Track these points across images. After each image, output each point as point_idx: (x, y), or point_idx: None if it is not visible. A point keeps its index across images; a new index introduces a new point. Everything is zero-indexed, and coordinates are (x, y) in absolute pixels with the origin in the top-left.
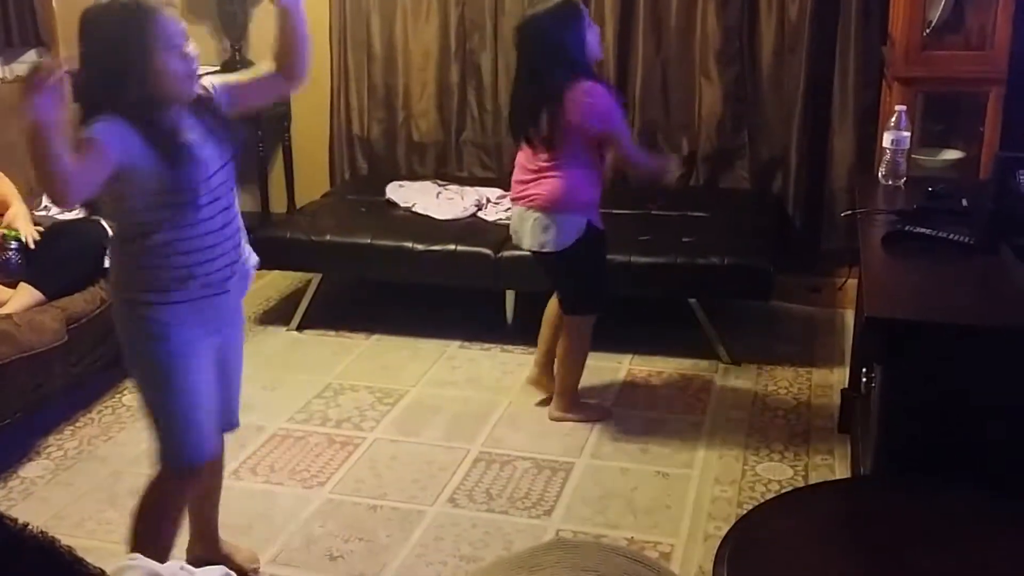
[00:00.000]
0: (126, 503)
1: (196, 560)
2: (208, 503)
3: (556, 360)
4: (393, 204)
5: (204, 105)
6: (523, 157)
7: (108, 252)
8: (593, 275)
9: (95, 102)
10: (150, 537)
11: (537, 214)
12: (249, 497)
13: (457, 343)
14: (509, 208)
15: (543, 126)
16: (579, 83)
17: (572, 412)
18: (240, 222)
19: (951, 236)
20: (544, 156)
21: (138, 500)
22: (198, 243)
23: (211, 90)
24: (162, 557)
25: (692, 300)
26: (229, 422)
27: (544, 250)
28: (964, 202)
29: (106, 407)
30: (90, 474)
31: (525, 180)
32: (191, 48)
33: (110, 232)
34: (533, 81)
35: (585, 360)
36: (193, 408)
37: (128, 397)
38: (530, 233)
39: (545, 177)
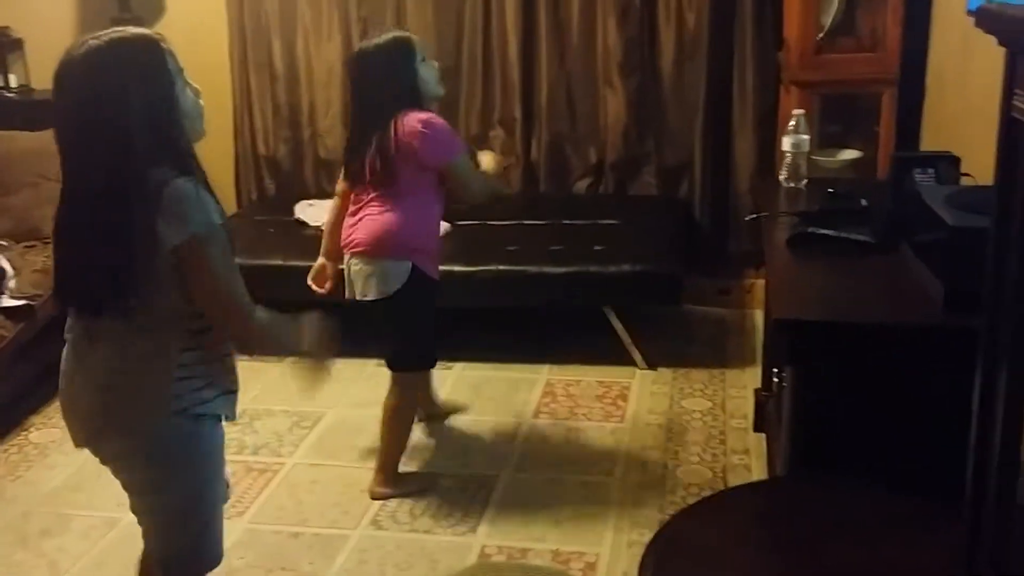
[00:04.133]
0: (37, 544)
1: None
2: None
3: (381, 426)
4: (303, 223)
5: None
6: (352, 199)
7: (144, 359)
8: (421, 327)
9: (143, 156)
10: None
11: (358, 261)
12: None
13: (375, 362)
14: None
15: (371, 162)
16: (411, 114)
17: (394, 486)
18: None
19: (852, 236)
20: (369, 195)
21: None
22: None
23: None
24: None
25: (606, 308)
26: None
27: (366, 298)
28: (863, 202)
29: (12, 445)
30: None
31: (349, 224)
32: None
33: (10, 271)
34: (361, 118)
35: (411, 425)
36: (219, 505)
37: (35, 435)
38: (354, 282)
39: (365, 218)
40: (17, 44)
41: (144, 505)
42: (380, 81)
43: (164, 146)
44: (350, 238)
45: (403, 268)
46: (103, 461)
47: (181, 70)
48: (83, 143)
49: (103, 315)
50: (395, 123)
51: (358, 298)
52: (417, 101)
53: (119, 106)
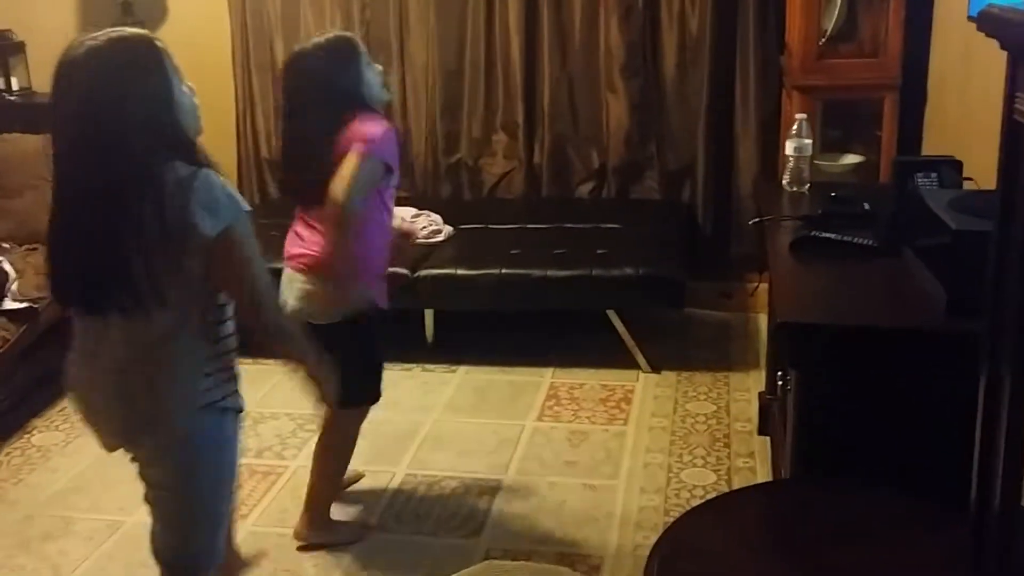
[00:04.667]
0: (40, 547)
1: None
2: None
3: (313, 464)
4: None
5: None
6: (300, 215)
7: (166, 355)
8: (372, 357)
9: (146, 154)
10: None
11: (302, 277)
12: None
13: None
14: (424, 227)
15: (315, 171)
16: (365, 120)
17: (324, 532)
18: None
19: (855, 240)
20: (317, 211)
21: None
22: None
23: None
24: None
25: (609, 311)
26: None
27: (312, 321)
28: (866, 206)
29: (14, 449)
30: None
31: (297, 239)
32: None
33: (12, 273)
34: (303, 124)
35: (347, 467)
36: (230, 503)
37: (38, 438)
38: (295, 299)
39: (317, 234)
40: (19, 47)
41: (165, 500)
42: (323, 84)
43: (168, 143)
44: (293, 252)
45: (355, 294)
46: (132, 459)
47: (177, 69)
48: (83, 143)
49: (118, 315)
50: (341, 130)
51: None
52: (364, 106)
53: (119, 106)
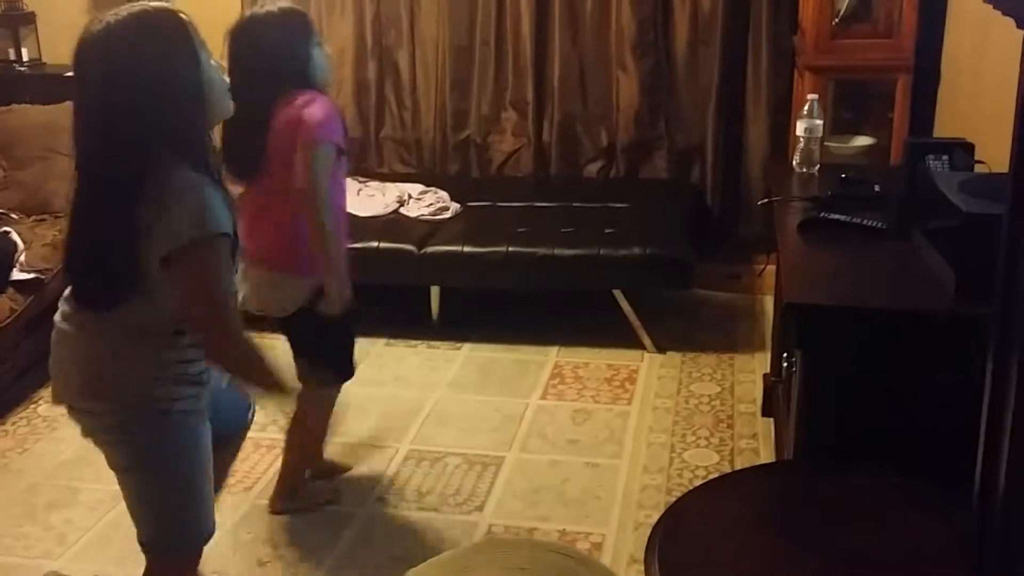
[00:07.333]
0: (45, 517)
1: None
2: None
3: (287, 439)
4: None
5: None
6: (248, 200)
7: (114, 353)
8: (340, 337)
9: (154, 143)
10: None
11: (259, 271)
12: None
13: (383, 341)
14: (431, 204)
15: (255, 144)
16: (299, 96)
17: (299, 499)
18: None
19: (865, 222)
20: (262, 194)
21: None
22: None
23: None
24: None
25: (616, 291)
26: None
27: (275, 315)
28: (876, 188)
29: (20, 418)
30: (5, 488)
31: (250, 229)
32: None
33: (20, 244)
34: (249, 94)
35: (322, 443)
36: (206, 482)
37: (44, 407)
38: (256, 294)
39: (266, 223)
40: (29, 18)
41: (119, 481)
42: (272, 55)
43: (180, 129)
44: (252, 248)
45: (308, 283)
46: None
47: (204, 43)
48: (97, 127)
49: (91, 307)
50: (280, 108)
51: (286, 316)
52: (308, 84)
53: (135, 88)
